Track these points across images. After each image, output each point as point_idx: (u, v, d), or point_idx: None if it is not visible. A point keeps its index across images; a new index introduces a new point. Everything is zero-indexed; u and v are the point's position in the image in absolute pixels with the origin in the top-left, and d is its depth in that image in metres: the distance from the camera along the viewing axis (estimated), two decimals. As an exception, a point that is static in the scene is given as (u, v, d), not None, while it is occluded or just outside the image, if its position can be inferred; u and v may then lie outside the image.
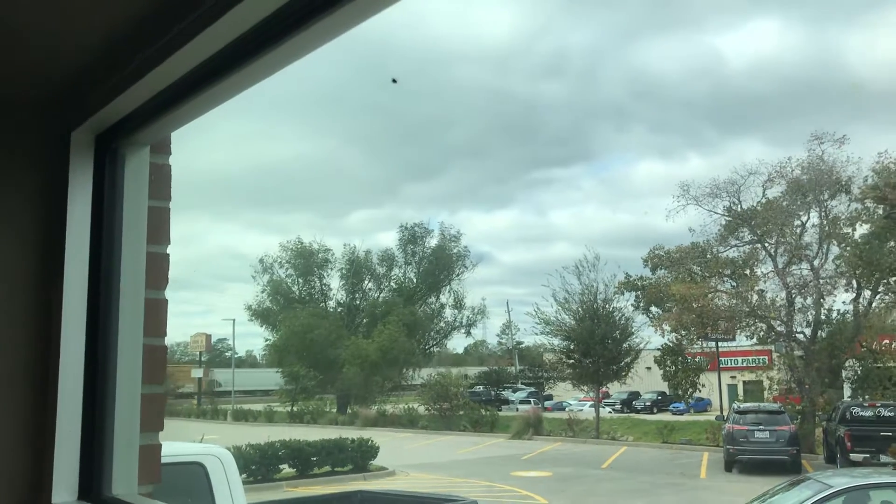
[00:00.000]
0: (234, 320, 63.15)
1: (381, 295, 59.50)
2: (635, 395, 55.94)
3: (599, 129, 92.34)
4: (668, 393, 49.59)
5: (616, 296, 36.96)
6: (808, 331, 31.60)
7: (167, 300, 1.98)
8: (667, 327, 34.74)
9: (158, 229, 1.96)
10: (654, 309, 37.37)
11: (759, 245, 33.05)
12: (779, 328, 31.85)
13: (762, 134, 79.19)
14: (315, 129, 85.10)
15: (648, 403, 54.46)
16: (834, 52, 67.69)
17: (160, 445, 1.95)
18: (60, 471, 1.86)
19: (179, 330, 72.53)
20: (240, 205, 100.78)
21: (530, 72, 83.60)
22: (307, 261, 58.15)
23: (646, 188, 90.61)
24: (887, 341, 32.37)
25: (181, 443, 6.65)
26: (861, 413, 25.09)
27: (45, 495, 1.86)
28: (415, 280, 59.94)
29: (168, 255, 1.98)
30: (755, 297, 32.02)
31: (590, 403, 45.99)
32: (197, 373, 65.15)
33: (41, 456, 1.89)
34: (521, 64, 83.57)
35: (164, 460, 1.98)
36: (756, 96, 72.74)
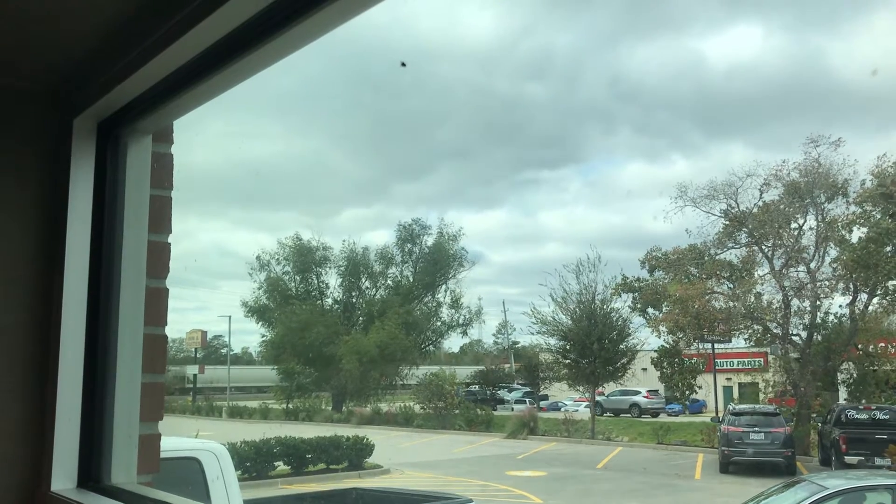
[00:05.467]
0: (230, 317, 63.24)
1: (378, 293, 59.37)
2: (631, 397, 55.85)
3: (585, 131, 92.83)
4: (661, 394, 49.65)
5: (613, 297, 36.97)
6: (804, 333, 31.61)
7: (168, 289, 1.97)
8: (664, 329, 34.74)
9: (160, 218, 1.96)
10: (651, 311, 37.33)
11: (756, 247, 33.07)
12: (775, 330, 31.86)
13: (745, 137, 79.65)
14: (301, 127, 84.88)
15: (644, 405, 54.34)
16: (815, 58, 68.38)
17: (160, 435, 1.95)
18: (60, 459, 1.86)
19: (175, 326, 72.36)
20: (227, 203, 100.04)
21: (515, 72, 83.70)
22: (305, 258, 57.88)
23: (634, 190, 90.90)
24: (883, 344, 32.43)
25: (177, 438, 6.63)
26: (856, 416, 25.12)
27: (45, 483, 1.86)
28: (411, 279, 59.79)
29: (169, 244, 1.98)
30: (752, 299, 32.04)
31: (585, 404, 45.98)
32: (192, 369, 65.06)
33: (41, 443, 1.89)
34: (505, 64, 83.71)
35: (160, 454, 1.98)
36: (739, 100, 73.23)
